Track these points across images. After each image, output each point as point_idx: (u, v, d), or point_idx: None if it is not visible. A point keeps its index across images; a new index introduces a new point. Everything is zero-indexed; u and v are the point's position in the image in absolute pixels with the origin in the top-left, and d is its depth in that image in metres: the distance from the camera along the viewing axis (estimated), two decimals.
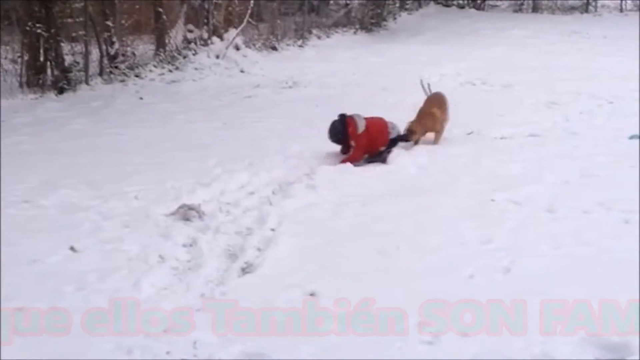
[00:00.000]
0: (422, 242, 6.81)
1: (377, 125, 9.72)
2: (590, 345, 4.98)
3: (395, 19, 20.77)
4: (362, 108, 11.77)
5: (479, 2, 23.49)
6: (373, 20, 19.75)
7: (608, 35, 18.91)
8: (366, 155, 9.58)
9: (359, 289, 5.88)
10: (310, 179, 8.68)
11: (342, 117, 9.63)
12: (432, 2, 23.15)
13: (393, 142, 9.75)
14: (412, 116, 10.21)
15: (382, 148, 9.66)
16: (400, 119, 11.29)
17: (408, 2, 22.69)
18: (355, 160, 9.39)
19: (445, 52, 16.72)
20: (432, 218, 7.41)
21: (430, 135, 10.20)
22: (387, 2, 20.88)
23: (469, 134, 10.46)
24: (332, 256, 6.59)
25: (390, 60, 16.11)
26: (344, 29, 19.38)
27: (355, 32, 19.35)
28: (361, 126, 9.56)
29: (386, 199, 8.01)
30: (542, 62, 15.57)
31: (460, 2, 23.56)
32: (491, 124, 10.91)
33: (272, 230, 7.18)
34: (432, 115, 10.18)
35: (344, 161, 9.40)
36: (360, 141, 9.53)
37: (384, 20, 20.22)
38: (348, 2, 20.46)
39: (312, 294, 5.84)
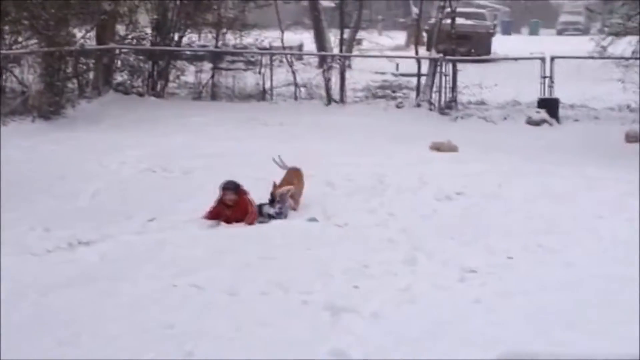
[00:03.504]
0: (102, 331, 6.75)
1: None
2: None
3: (74, 106, 20.51)
4: (39, 196, 11.52)
5: (158, 90, 23.73)
6: (51, 108, 19.41)
7: (284, 122, 19.68)
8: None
9: None
10: None
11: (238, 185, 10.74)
12: (111, 90, 23.11)
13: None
14: None
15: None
16: (83, 206, 11.19)
17: (87, 89, 22.51)
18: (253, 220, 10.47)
19: (126, 140, 16.67)
20: (113, 305, 7.34)
21: None
22: (65, 89, 20.61)
23: (150, 220, 10.46)
24: (7, 350, 6.35)
25: (69, 149, 15.82)
26: (21, 117, 18.90)
27: (33, 121, 18.91)
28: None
29: (66, 288, 7.83)
30: (222, 148, 15.90)
31: (140, 90, 23.70)
32: (172, 210, 10.99)
33: None
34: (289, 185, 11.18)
35: (249, 222, 10.42)
36: (251, 206, 10.61)
37: (63, 108, 19.90)
38: (25, 89, 20.01)
39: None
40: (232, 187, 10.64)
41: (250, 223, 10.44)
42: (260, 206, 10.77)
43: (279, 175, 11.40)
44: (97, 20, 22.55)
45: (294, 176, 11.65)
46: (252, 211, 10.57)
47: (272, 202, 10.90)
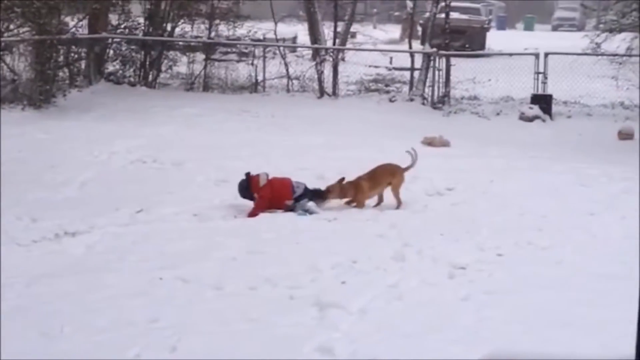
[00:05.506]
0: (87, 323, 6.68)
1: (280, 182, 10.92)
2: None
3: (65, 95, 20.37)
4: (27, 185, 11.44)
5: (150, 80, 23.60)
6: (42, 97, 19.28)
7: (275, 114, 19.59)
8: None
9: None
10: None
11: (247, 174, 10.79)
12: (102, 80, 22.97)
13: (301, 197, 10.78)
14: None
15: (288, 202, 10.73)
16: (71, 196, 11.11)
17: (78, 78, 22.36)
18: (258, 210, 10.53)
19: (116, 130, 16.54)
20: (98, 298, 7.28)
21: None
22: (56, 78, 20.47)
23: (138, 212, 10.38)
24: None
25: (59, 138, 15.71)
26: (11, 105, 18.78)
27: (23, 109, 18.79)
28: (262, 180, 10.73)
29: (51, 278, 7.78)
30: (213, 140, 15.80)
31: (132, 79, 23.56)
32: (161, 202, 10.90)
33: None
34: (357, 185, 11.02)
35: (249, 215, 10.47)
36: (262, 192, 10.65)
37: (54, 96, 19.77)
38: (15, 77, 19.87)
39: None
40: (240, 195, 10.84)
41: (248, 215, 10.54)
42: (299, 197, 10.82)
43: (271, 168, 11.24)
44: (89, 9, 22.40)
45: (386, 173, 11.27)
46: (256, 205, 10.63)
47: (321, 194, 10.94)
